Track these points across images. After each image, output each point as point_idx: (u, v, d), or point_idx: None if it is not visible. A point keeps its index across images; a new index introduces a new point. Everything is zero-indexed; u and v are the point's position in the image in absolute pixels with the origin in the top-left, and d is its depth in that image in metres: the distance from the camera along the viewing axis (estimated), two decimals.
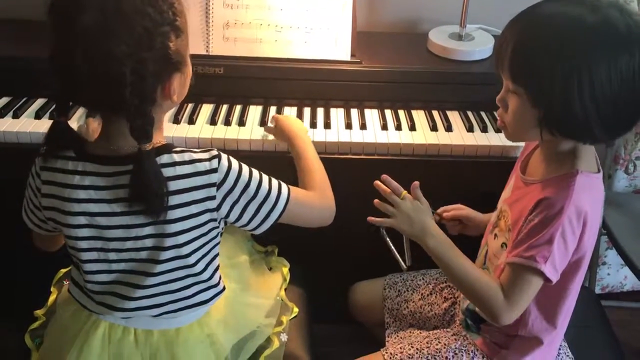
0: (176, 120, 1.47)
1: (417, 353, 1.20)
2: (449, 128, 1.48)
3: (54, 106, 1.44)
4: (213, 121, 1.47)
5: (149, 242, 1.00)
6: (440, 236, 1.11)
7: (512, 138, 1.10)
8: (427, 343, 1.22)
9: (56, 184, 1.00)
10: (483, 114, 1.54)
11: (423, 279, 1.39)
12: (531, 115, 1.00)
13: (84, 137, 1.04)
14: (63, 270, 1.28)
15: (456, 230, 1.31)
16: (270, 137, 1.40)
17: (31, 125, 1.42)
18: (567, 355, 1.23)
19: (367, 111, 1.54)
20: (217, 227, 1.05)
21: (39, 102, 1.51)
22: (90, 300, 1.07)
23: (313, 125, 1.47)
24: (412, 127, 1.48)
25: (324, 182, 1.20)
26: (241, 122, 1.47)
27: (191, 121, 1.47)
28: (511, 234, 1.09)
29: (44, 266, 1.24)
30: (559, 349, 1.21)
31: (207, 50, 1.53)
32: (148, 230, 0.99)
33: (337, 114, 1.52)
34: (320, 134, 1.45)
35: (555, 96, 0.95)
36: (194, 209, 0.99)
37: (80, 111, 1.45)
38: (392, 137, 1.45)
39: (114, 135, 0.99)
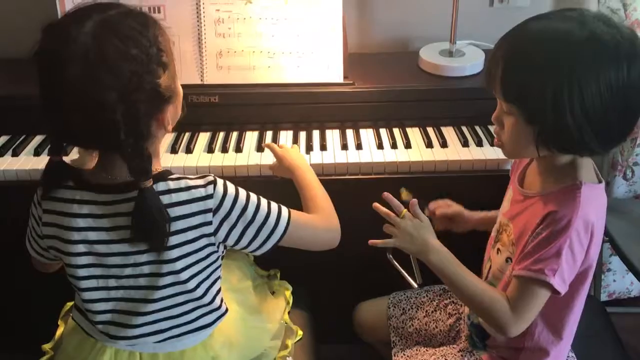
0: (174, 150, 1.48)
1: None
2: (444, 144, 1.49)
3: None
4: (210, 149, 1.48)
5: (147, 269, 1.01)
6: (442, 251, 1.11)
7: (511, 156, 1.11)
8: None
9: (56, 213, 1.01)
10: (477, 128, 1.56)
11: (427, 295, 1.39)
12: (527, 133, 1.01)
13: (81, 167, 1.05)
14: (70, 304, 1.29)
15: (443, 226, 1.31)
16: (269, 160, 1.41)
17: (30, 162, 1.44)
18: None
19: (362, 131, 1.55)
20: (216, 251, 1.05)
21: (37, 139, 1.52)
22: (93, 328, 1.08)
23: (309, 147, 1.48)
24: (408, 145, 1.49)
25: (328, 206, 1.20)
26: (238, 149, 1.48)
27: (189, 150, 1.48)
28: (516, 248, 1.09)
29: (50, 299, 1.25)
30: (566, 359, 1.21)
31: (201, 80, 1.55)
32: (146, 257, 1.00)
33: (333, 136, 1.54)
34: (317, 156, 1.46)
35: (548, 113, 0.96)
36: (190, 235, 1.00)
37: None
38: (388, 155, 1.46)
39: (109, 165, 1.00)
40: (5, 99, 1.53)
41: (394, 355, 1.33)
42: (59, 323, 1.26)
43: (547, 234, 1.01)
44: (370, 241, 1.15)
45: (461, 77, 1.60)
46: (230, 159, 1.45)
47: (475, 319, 1.20)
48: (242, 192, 1.04)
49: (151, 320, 1.05)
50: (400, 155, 1.46)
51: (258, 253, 1.08)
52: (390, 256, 1.20)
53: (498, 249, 1.16)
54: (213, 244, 1.03)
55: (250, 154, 1.47)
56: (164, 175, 1.00)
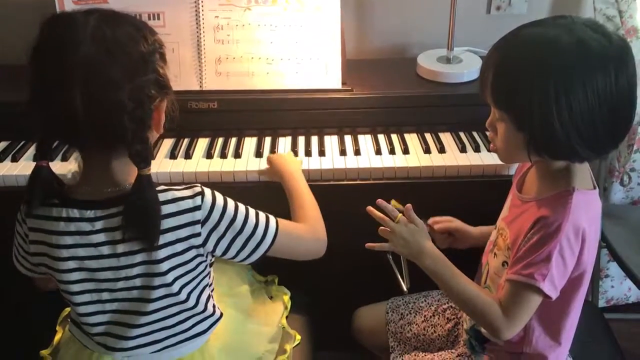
0: (173, 155, 1.49)
1: None
2: (442, 150, 1.50)
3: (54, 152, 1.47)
4: (209, 155, 1.49)
5: (139, 282, 1.01)
6: (437, 255, 1.12)
7: (505, 161, 1.12)
8: None
9: (43, 231, 1.00)
10: (475, 134, 1.56)
11: (425, 300, 1.39)
12: (518, 139, 1.01)
13: (66, 182, 1.03)
14: (68, 309, 1.29)
15: (446, 243, 1.31)
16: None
17: (30, 168, 1.41)
18: None
19: (360, 137, 1.56)
20: (205, 261, 1.05)
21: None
22: (90, 340, 1.07)
23: (308, 153, 1.49)
24: (406, 151, 1.50)
25: (316, 216, 1.20)
26: (237, 155, 1.49)
27: (188, 156, 1.49)
28: (511, 252, 1.09)
29: (50, 305, 1.25)
30: None
31: (200, 86, 1.56)
32: (137, 270, 1.00)
33: (331, 141, 1.54)
34: (315, 162, 1.46)
35: (536, 119, 0.97)
36: (178, 247, 0.99)
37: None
38: (386, 161, 1.47)
39: (95, 178, 0.99)
40: (5, 105, 1.53)
41: None
42: (57, 329, 1.26)
43: (537, 238, 1.02)
44: (367, 244, 1.16)
45: (459, 84, 1.61)
46: (229, 165, 1.45)
47: (476, 325, 1.20)
48: (230, 203, 1.04)
49: (147, 332, 1.05)
50: (399, 160, 1.47)
51: (246, 263, 1.08)
52: (390, 257, 1.21)
53: (495, 253, 1.16)
54: (202, 255, 1.03)
55: (249, 159, 1.47)
56: None
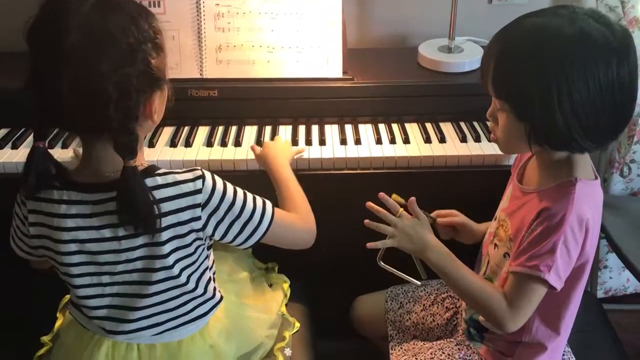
0: (173, 143, 1.48)
1: None
2: (442, 139, 1.50)
3: (51, 135, 1.46)
4: (209, 143, 1.49)
5: (140, 265, 1.01)
6: (440, 249, 1.11)
7: (505, 151, 1.12)
8: (431, 354, 1.22)
9: (43, 213, 1.00)
10: (475, 124, 1.56)
11: (424, 290, 1.39)
12: (519, 130, 1.01)
13: (66, 165, 1.04)
14: (68, 296, 1.29)
15: (448, 235, 1.31)
16: None
17: None
18: None
19: (361, 126, 1.56)
20: (203, 244, 1.06)
21: None
22: (90, 322, 1.08)
23: (308, 142, 1.49)
24: (406, 140, 1.50)
25: (306, 207, 1.21)
26: (237, 143, 1.49)
27: (188, 144, 1.48)
28: (513, 243, 1.09)
29: (50, 293, 1.25)
30: (563, 355, 1.21)
31: (201, 74, 1.56)
32: (138, 253, 1.00)
33: (332, 131, 1.54)
34: (316, 151, 1.46)
35: (536, 110, 0.96)
36: (179, 230, 1.00)
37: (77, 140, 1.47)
38: (386, 150, 1.46)
39: (96, 162, 0.99)
40: (5, 91, 1.53)
41: (392, 349, 1.33)
42: (57, 315, 1.26)
43: (541, 230, 1.02)
44: (368, 244, 1.14)
45: (460, 73, 1.61)
46: (230, 153, 1.45)
47: (475, 314, 1.21)
48: (230, 187, 1.05)
49: (147, 315, 1.05)
50: (399, 150, 1.46)
51: (243, 247, 1.09)
52: (381, 261, 1.19)
53: (495, 245, 1.16)
54: (201, 238, 1.04)
55: (250, 148, 1.47)
56: (151, 170, 1.00)
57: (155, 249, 1.00)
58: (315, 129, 1.55)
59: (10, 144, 1.49)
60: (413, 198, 1.15)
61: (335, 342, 1.57)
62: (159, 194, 0.98)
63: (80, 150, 1.07)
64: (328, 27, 1.54)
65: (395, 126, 1.56)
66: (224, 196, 1.03)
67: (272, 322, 1.24)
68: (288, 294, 1.33)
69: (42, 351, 1.20)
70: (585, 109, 0.95)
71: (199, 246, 1.05)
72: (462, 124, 1.56)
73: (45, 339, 1.22)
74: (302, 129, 1.55)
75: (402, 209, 1.15)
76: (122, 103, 0.92)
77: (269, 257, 1.38)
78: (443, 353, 1.22)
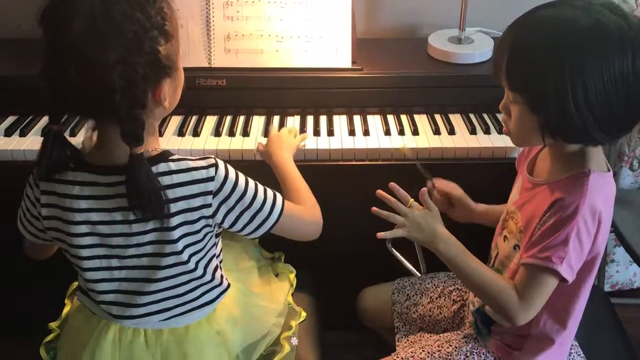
0: (181, 133, 1.48)
1: (428, 357, 1.20)
2: (451, 131, 1.49)
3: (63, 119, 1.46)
4: (217, 132, 1.48)
5: (150, 249, 1.02)
6: (451, 240, 1.11)
7: (518, 144, 1.11)
8: (438, 346, 1.22)
9: (56, 194, 1.01)
10: (485, 115, 1.55)
11: (431, 282, 1.39)
12: (532, 122, 1.00)
13: (80, 148, 1.04)
14: (76, 283, 1.30)
15: (442, 209, 1.28)
16: None
17: (38, 143, 1.42)
18: (579, 355, 1.23)
19: (369, 117, 1.55)
20: (212, 231, 1.06)
21: (45, 120, 1.52)
22: (98, 307, 1.09)
23: (316, 133, 1.48)
24: (415, 132, 1.49)
25: (313, 200, 1.21)
26: (245, 133, 1.48)
27: (196, 133, 1.48)
28: (524, 235, 1.09)
29: (58, 279, 1.26)
30: (570, 349, 1.21)
31: (209, 63, 1.55)
32: (149, 237, 1.01)
33: (340, 121, 1.53)
34: (324, 142, 1.45)
35: (551, 102, 0.95)
36: (190, 216, 1.00)
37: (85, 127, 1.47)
38: (395, 142, 1.46)
39: (109, 144, 0.99)
40: (13, 79, 1.53)
41: (398, 341, 1.34)
42: (65, 302, 1.27)
43: (554, 221, 1.01)
44: (379, 234, 1.13)
45: (470, 65, 1.60)
46: (238, 143, 1.45)
47: (482, 306, 1.20)
48: (242, 177, 1.05)
49: (156, 299, 1.06)
50: (408, 141, 1.46)
51: (251, 237, 1.09)
52: (390, 245, 1.19)
53: (505, 237, 1.16)
54: (210, 225, 1.04)
55: (258, 138, 1.47)
56: (165, 155, 1.00)
57: (165, 234, 1.00)
58: (323, 119, 1.54)
59: (18, 132, 1.49)
60: (424, 189, 1.14)
61: (340, 333, 1.58)
62: (171, 179, 0.98)
63: (87, 140, 1.07)
64: (337, 17, 1.53)
65: (404, 117, 1.55)
66: (236, 186, 1.03)
67: (279, 311, 1.24)
68: (294, 284, 1.33)
69: (50, 337, 1.20)
70: (600, 101, 0.94)
71: (207, 233, 1.05)
72: (472, 116, 1.55)
73: (53, 325, 1.22)
74: (310, 119, 1.54)
75: (412, 199, 1.14)
76: (128, 91, 0.91)
77: (275, 246, 1.38)
78: (450, 345, 1.21)
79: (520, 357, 1.16)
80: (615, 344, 1.34)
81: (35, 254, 1.18)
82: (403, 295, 1.39)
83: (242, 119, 1.54)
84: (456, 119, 1.54)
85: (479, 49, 1.61)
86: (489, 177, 1.44)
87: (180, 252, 1.02)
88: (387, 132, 1.49)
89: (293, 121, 1.53)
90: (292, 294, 1.31)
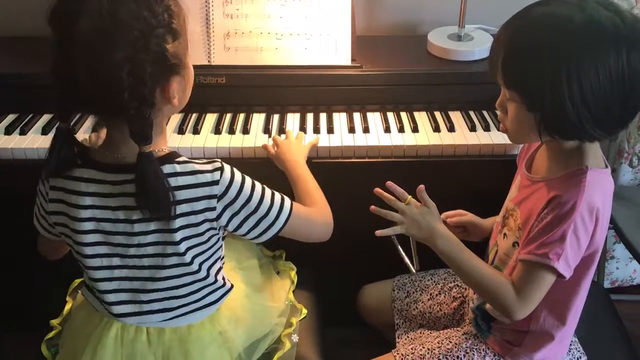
0: (181, 130, 1.48)
1: (428, 353, 1.21)
2: (451, 128, 1.49)
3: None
4: (217, 130, 1.48)
5: (151, 250, 1.02)
6: (449, 237, 1.11)
7: (515, 141, 1.11)
8: (438, 343, 1.22)
9: (64, 190, 1.01)
10: (485, 113, 1.55)
11: (431, 279, 1.39)
12: (529, 120, 1.00)
13: (88, 145, 1.05)
14: (78, 280, 1.31)
15: (459, 237, 1.30)
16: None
17: (38, 141, 1.44)
18: (578, 351, 1.23)
19: (369, 114, 1.55)
20: (217, 234, 1.06)
21: (45, 118, 1.52)
22: (100, 305, 1.09)
23: (316, 130, 1.48)
24: (415, 129, 1.49)
25: (323, 201, 1.21)
26: (245, 130, 1.48)
27: (196, 131, 1.48)
28: (522, 232, 1.09)
29: (60, 277, 1.26)
30: (570, 345, 1.21)
31: (209, 61, 1.55)
32: (150, 238, 1.01)
33: (340, 119, 1.54)
34: (324, 139, 1.46)
35: (547, 99, 0.96)
36: (193, 219, 1.00)
37: (88, 123, 1.47)
38: (395, 139, 1.46)
39: (117, 142, 1.00)
40: (13, 77, 1.53)
41: (398, 337, 1.34)
42: (67, 299, 1.27)
43: (551, 218, 1.01)
44: (377, 232, 1.14)
45: (469, 62, 1.59)
46: (237, 141, 1.45)
47: (482, 303, 1.21)
48: (248, 181, 1.05)
49: (159, 298, 1.06)
50: (408, 139, 1.46)
51: (257, 241, 1.09)
52: (394, 237, 1.20)
53: (505, 234, 1.16)
54: (215, 228, 1.04)
55: (257, 135, 1.47)
56: (171, 157, 1.00)
57: (167, 236, 1.00)
58: (323, 117, 1.54)
59: (18, 130, 1.48)
60: (422, 186, 1.15)
61: (341, 330, 1.58)
62: (176, 181, 0.98)
63: (93, 137, 1.07)
64: (337, 14, 1.53)
65: (404, 115, 1.55)
66: (241, 190, 1.03)
67: (281, 310, 1.25)
68: (295, 282, 1.33)
69: (51, 334, 1.21)
70: (595, 98, 0.94)
71: (212, 235, 1.05)
72: (472, 113, 1.55)
73: (54, 322, 1.23)
74: (310, 117, 1.54)
75: (410, 196, 1.15)
76: (136, 89, 0.91)
77: (276, 244, 1.38)
78: (450, 342, 1.22)
79: (520, 353, 1.16)
80: (615, 341, 1.34)
81: (48, 253, 1.19)
82: (403, 292, 1.39)
83: (242, 116, 1.54)
84: (456, 116, 1.54)
85: (478, 46, 1.61)
86: (489, 174, 1.44)
87: (183, 254, 1.02)
88: (387, 130, 1.49)
89: (293, 119, 1.53)
90: (293, 291, 1.32)
